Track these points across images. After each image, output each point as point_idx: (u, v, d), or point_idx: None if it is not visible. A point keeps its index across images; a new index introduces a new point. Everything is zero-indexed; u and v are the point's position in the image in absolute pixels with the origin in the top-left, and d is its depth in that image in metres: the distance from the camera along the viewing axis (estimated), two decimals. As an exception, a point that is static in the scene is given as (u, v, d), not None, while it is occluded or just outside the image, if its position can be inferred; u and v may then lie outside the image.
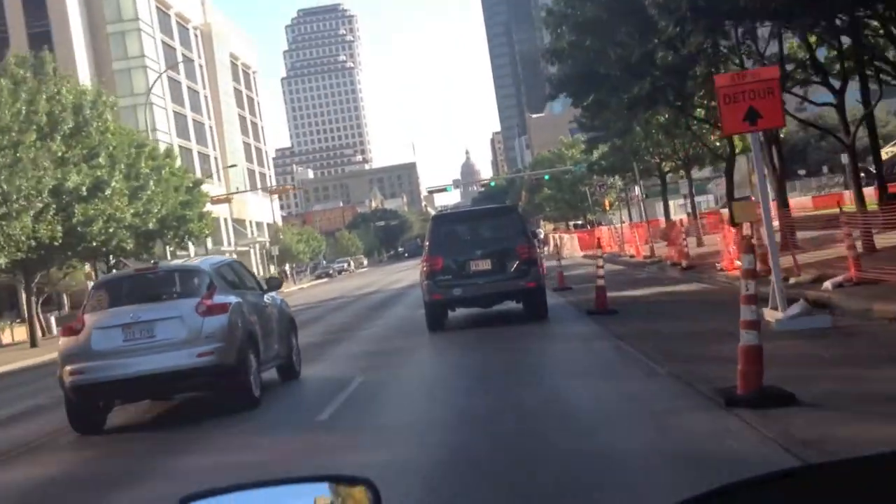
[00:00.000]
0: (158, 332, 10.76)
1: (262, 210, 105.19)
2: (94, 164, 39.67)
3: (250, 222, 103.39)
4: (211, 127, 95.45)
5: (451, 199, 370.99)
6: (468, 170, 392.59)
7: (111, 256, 46.68)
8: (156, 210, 42.34)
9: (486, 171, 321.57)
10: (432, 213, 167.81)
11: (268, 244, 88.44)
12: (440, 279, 17.52)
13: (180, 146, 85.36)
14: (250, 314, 11.82)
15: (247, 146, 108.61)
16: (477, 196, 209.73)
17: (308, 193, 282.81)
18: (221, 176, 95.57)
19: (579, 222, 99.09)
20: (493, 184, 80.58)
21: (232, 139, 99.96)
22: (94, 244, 39.19)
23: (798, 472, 1.44)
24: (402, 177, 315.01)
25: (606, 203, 76.75)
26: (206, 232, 51.76)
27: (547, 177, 77.41)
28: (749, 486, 1.34)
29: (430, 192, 74.20)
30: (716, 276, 23.32)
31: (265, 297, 13.27)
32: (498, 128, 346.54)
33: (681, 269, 27.71)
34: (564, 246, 55.16)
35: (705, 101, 33.21)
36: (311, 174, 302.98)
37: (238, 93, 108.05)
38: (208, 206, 64.61)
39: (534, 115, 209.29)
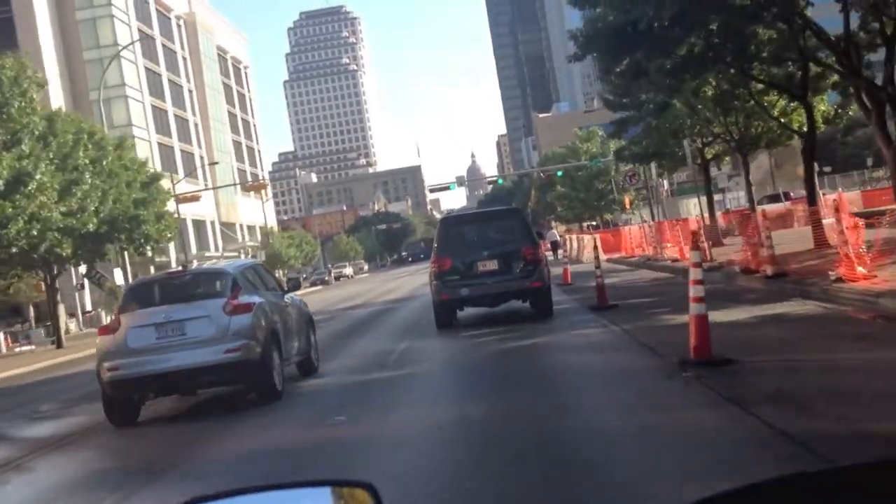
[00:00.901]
0: (189, 330, 11.40)
1: (256, 213, 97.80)
2: (18, 154, 32.14)
3: (241, 226, 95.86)
4: (196, 124, 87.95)
5: (457, 202, 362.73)
6: (474, 173, 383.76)
7: (56, 266, 39.01)
8: (93, 208, 34.54)
9: (491, 174, 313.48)
10: (438, 216, 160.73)
11: (257, 249, 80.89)
12: (448, 279, 17.92)
13: (160, 143, 77.92)
14: (273, 313, 12.42)
15: (237, 145, 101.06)
16: (483, 198, 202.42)
17: (312, 198, 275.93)
18: (208, 176, 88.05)
19: (593, 223, 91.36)
20: (500, 181, 72.97)
21: (220, 137, 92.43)
22: (14, 249, 31.62)
23: (808, 475, 1.37)
24: (407, 180, 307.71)
25: (627, 201, 69.03)
26: (169, 235, 44.03)
27: (560, 173, 69.78)
28: (758, 489, 1.32)
29: (432, 191, 66.65)
30: (832, 289, 15.61)
31: (285, 297, 13.89)
32: (503, 130, 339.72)
33: (765, 278, 19.89)
34: (585, 248, 47.42)
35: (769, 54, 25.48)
36: (314, 178, 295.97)
37: (228, 89, 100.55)
38: (181, 208, 57.24)
39: (540, 115, 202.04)
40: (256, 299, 11.98)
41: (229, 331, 11.35)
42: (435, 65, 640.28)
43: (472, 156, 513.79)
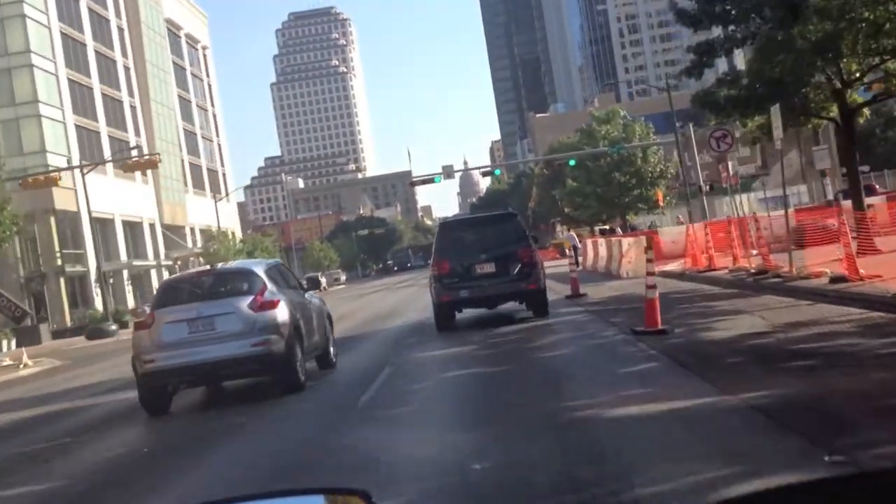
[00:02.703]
0: (218, 325, 11.83)
1: (212, 215, 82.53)
2: None
3: (192, 229, 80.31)
4: (133, 107, 72.42)
5: (450, 208, 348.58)
6: (467, 180, 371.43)
7: None
8: None
9: (485, 181, 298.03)
10: (429, 223, 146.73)
11: (190, 258, 65.28)
12: (447, 282, 18.14)
13: (80, 126, 62.39)
14: (296, 310, 12.71)
15: (190, 136, 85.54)
16: (476, 202, 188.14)
17: (298, 203, 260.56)
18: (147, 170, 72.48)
19: (605, 227, 75.90)
20: (497, 172, 57.62)
21: (165, 124, 76.88)
22: None
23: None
24: (397, 186, 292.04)
25: (659, 196, 53.73)
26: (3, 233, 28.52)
27: (572, 162, 54.52)
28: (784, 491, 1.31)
29: (414, 184, 51.69)
30: None
31: (306, 294, 14.27)
32: (497, 135, 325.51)
33: None
34: (625, 256, 32.09)
35: None
36: (300, 183, 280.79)
37: (180, 70, 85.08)
38: (104, 205, 42.48)
39: (537, 115, 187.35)
40: (281, 296, 12.38)
41: (256, 326, 11.79)
42: (427, 69, 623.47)
43: (465, 162, 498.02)
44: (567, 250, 49.53)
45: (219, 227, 75.93)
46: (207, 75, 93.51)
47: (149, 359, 11.80)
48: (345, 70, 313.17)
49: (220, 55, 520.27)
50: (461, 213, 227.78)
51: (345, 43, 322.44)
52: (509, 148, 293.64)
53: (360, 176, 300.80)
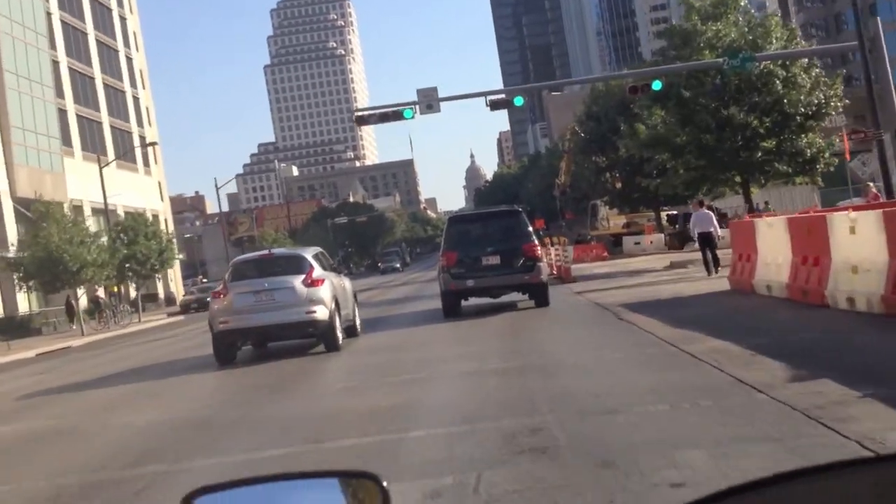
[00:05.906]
0: (278, 297, 14.90)
1: (123, 190, 57.34)
2: None
3: (76, 208, 54.69)
4: (-33, 22, 46.90)
5: (456, 201, 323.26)
6: (473, 173, 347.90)
7: None
8: None
9: (492, 173, 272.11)
10: (432, 215, 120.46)
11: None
12: (455, 272, 19.11)
13: None
14: (335, 287, 15.82)
15: (83, 80, 59.82)
16: (482, 188, 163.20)
17: (292, 192, 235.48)
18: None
19: (673, 212, 49.91)
20: (518, 101, 32.44)
21: (25, 54, 51.17)
22: None
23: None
24: (398, 175, 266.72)
25: (846, 142, 27.95)
26: None
27: (657, 84, 28.68)
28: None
29: (361, 121, 25.85)
30: None
31: (340, 276, 17.70)
32: (505, 126, 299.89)
33: None
34: None
35: None
36: (295, 171, 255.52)
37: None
38: None
39: (553, 93, 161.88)
40: (326, 275, 15.57)
41: (307, 298, 14.75)
42: (430, 53, 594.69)
43: (472, 155, 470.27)
44: (693, 241, 24.26)
45: (105, 204, 50.22)
46: (121, 5, 67.71)
47: (223, 320, 14.91)
48: (343, 52, 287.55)
49: (210, 36, 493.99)
50: (466, 208, 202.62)
51: (343, 24, 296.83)
52: (519, 136, 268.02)
53: (358, 164, 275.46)
